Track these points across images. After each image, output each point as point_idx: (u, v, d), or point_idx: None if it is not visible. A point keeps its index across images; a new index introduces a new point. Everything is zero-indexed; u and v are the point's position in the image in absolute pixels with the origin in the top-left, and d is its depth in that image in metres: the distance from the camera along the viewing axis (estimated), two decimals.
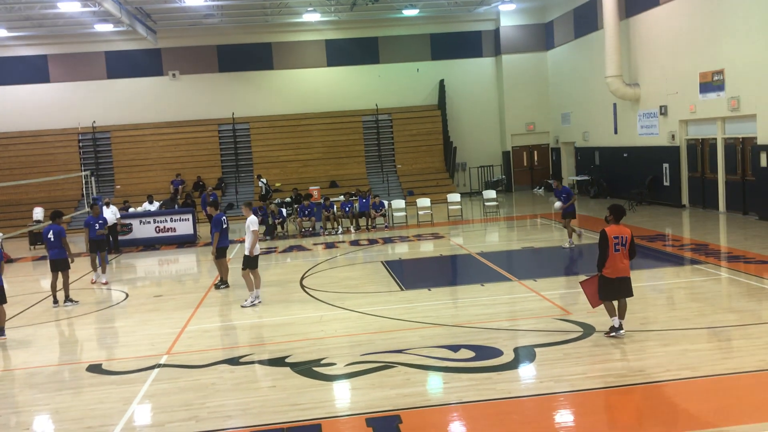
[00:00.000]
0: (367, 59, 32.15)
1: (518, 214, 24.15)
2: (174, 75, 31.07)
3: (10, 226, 23.71)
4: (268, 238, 20.76)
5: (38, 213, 24.20)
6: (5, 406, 7.81)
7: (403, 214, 23.01)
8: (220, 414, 6.95)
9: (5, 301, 10.71)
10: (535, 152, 33.25)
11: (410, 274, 14.63)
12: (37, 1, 23.67)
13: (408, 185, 29.97)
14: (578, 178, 28.53)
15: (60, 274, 12.94)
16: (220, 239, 13.24)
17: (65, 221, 20.73)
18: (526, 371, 7.73)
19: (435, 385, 7.47)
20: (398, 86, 32.22)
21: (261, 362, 8.60)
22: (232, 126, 31.24)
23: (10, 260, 19.18)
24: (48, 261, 13.12)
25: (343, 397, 7.36)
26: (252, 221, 12.05)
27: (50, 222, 13.18)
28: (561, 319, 9.64)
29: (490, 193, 24.72)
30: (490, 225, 21.83)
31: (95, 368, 8.81)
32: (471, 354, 8.33)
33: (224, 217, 13.46)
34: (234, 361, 8.67)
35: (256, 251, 12.00)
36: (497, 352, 8.30)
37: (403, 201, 24.03)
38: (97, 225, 14.87)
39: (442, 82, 32.22)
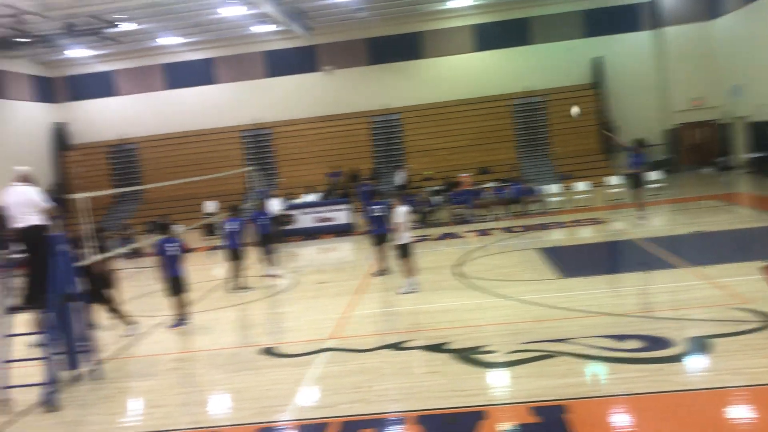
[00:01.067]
0: (516, 41, 31.53)
1: (684, 196, 22.70)
2: (328, 70, 32.20)
3: (186, 219, 25.73)
4: (421, 226, 21.04)
5: (209, 206, 26.15)
6: (191, 385, 8.57)
7: (559, 198, 22.42)
8: (386, 397, 7.20)
9: (187, 290, 11.69)
10: (702, 129, 31.03)
11: (568, 261, 14.24)
12: (203, 8, 25.44)
13: (563, 168, 29.11)
14: (753, 155, 26.31)
15: (237, 263, 13.98)
16: (379, 227, 13.63)
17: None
18: (700, 363, 7.32)
19: (601, 376, 7.27)
20: (550, 67, 31.31)
21: (422, 348, 8.78)
22: (384, 117, 31.90)
23: (188, 250, 20.86)
24: (225, 251, 14.23)
25: (505, 384, 7.35)
26: (400, 211, 12.23)
27: (229, 216, 14.43)
28: (737, 308, 8.99)
29: (653, 175, 23.44)
30: (654, 208, 20.72)
31: (268, 351, 9.42)
32: (638, 344, 8.00)
33: (380, 206, 13.80)
34: (397, 347, 8.92)
35: (407, 239, 12.19)
36: (667, 343, 7.91)
37: (558, 185, 23.40)
38: (261, 219, 15.53)
39: (596, 59, 30.92)
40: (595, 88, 30.86)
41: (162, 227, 11.68)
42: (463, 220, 21.49)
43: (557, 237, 17.33)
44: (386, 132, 31.93)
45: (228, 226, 14.09)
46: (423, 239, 18.61)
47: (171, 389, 8.34)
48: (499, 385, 7.39)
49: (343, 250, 19.49)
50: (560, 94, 31.13)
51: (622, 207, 21.06)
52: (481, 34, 31.69)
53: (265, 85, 32.61)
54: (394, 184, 26.66)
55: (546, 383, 7.09)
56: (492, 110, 31.32)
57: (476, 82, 31.68)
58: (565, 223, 19.12)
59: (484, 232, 18.88)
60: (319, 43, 32.01)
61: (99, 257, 11.24)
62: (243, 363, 9.05)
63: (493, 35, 31.55)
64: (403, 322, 10.53)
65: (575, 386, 6.96)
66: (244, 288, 14.02)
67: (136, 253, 21.70)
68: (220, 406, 7.73)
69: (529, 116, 31.26)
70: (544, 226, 18.70)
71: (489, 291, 11.59)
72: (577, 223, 18.88)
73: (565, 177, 27.78)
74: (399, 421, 6.58)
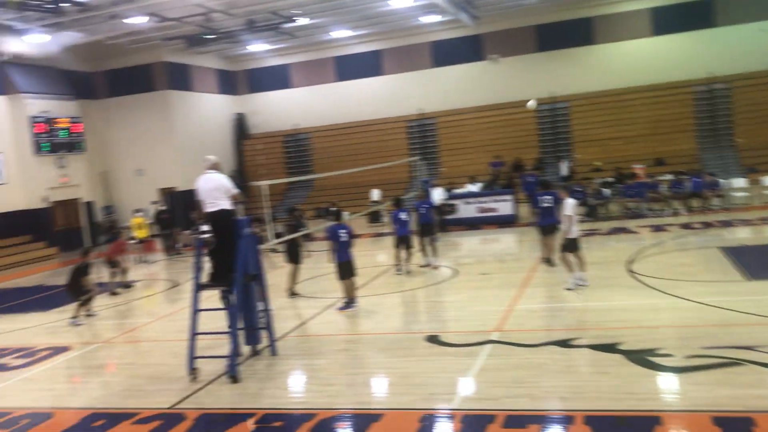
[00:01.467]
0: (700, 23, 29.28)
1: None
2: (494, 58, 31.81)
3: (351, 206, 26.62)
4: (589, 219, 20.27)
5: (375, 194, 26.87)
6: (359, 366, 8.88)
7: (744, 194, 20.64)
8: (554, 394, 7.03)
9: (355, 275, 12.11)
10: None
11: (756, 263, 13.03)
12: (373, 0, 26.08)
13: (749, 161, 26.73)
14: None
15: (406, 250, 14.61)
16: (547, 218, 13.35)
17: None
18: None
19: None
20: (737, 51, 28.78)
21: (592, 347, 8.47)
22: (550, 105, 31.02)
23: (356, 236, 21.62)
24: (395, 238, 14.84)
25: (683, 391, 6.91)
26: (569, 204, 11.82)
27: (398, 205, 15.05)
28: None
29: None
30: None
31: (433, 339, 9.53)
32: None
33: (548, 197, 13.48)
34: (564, 344, 8.67)
35: (574, 233, 11.77)
36: None
37: (743, 179, 21.53)
38: (422, 209, 15.40)
39: None
40: None
41: (335, 214, 12.26)
42: (636, 215, 20.43)
43: (743, 235, 16.00)
44: (553, 121, 31.03)
45: (400, 215, 14.52)
46: (591, 233, 17.92)
47: (341, 369, 8.69)
48: (677, 390, 6.96)
49: (505, 241, 19.26)
50: (747, 80, 28.59)
51: None
52: (659, 18, 29.78)
53: (431, 75, 32.84)
54: (559, 175, 25.87)
55: (731, 392, 6.57)
56: (670, 98, 29.38)
57: (653, 68, 29.83)
58: (751, 220, 17.59)
59: (659, 228, 17.83)
60: (486, 31, 31.69)
61: (289, 236, 12.25)
62: (408, 349, 9.23)
63: (673, 18, 29.51)
64: (571, 319, 10.22)
65: (765, 399, 6.40)
66: (408, 272, 14.35)
67: (306, 237, 22.80)
68: (386, 389, 7.94)
69: (711, 104, 29.00)
70: (727, 224, 17.33)
71: (665, 291, 10.92)
72: (766, 221, 17.28)
73: (752, 170, 25.50)
74: (566, 420, 6.40)
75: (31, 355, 11.06)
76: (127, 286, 16.70)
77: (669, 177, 21.52)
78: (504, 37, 31.67)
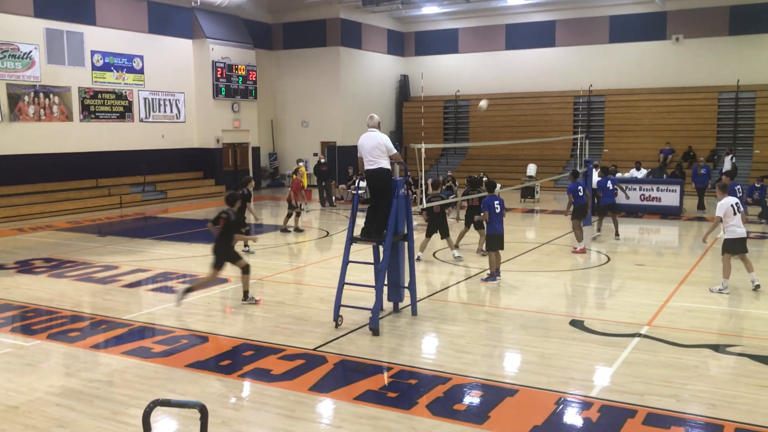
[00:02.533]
0: None
1: None
2: (677, 39, 29.71)
3: (506, 179, 26.25)
4: (764, 221, 18.64)
5: (531, 169, 26.26)
6: (496, 339, 8.83)
7: None
8: (702, 400, 6.63)
9: (502, 248, 11.98)
10: None
11: None
12: None
13: None
14: None
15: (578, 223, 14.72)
16: None
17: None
18: None
19: None
20: None
21: (750, 356, 7.87)
22: (735, 94, 28.60)
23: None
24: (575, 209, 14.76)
25: None
26: (721, 204, 10.83)
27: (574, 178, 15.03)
28: None
29: None
30: None
31: (578, 324, 9.28)
32: None
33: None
34: (719, 348, 8.12)
35: (736, 234, 10.80)
36: None
37: None
38: (579, 190, 14.86)
39: None
40: None
41: (489, 185, 12.17)
42: None
43: None
44: (735, 111, 28.62)
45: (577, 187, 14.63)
46: (764, 236, 16.50)
47: (478, 339, 8.70)
48: None
49: (666, 233, 18.20)
50: None
51: None
52: None
53: (606, 51, 31.29)
54: (722, 170, 23.88)
55: None
56: None
57: None
58: None
59: None
60: (672, 9, 29.60)
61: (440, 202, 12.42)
62: (550, 330, 9.05)
63: None
64: (731, 324, 9.53)
65: None
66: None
67: (454, 206, 22.82)
68: (523, 366, 7.85)
69: None
70: None
71: None
72: None
73: None
74: (714, 428, 6.02)
75: (194, 282, 12.01)
76: (285, 230, 17.64)
77: None
78: (692, 17, 29.42)
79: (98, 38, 24.33)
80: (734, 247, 10.89)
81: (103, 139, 24.70)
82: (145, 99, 26.30)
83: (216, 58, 27.92)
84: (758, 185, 18.98)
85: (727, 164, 24.57)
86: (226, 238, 10.13)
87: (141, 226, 20.71)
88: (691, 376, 7.26)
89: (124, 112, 25.55)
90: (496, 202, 11.68)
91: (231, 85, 28.66)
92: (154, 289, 11.77)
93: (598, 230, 16.58)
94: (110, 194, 24.36)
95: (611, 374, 7.38)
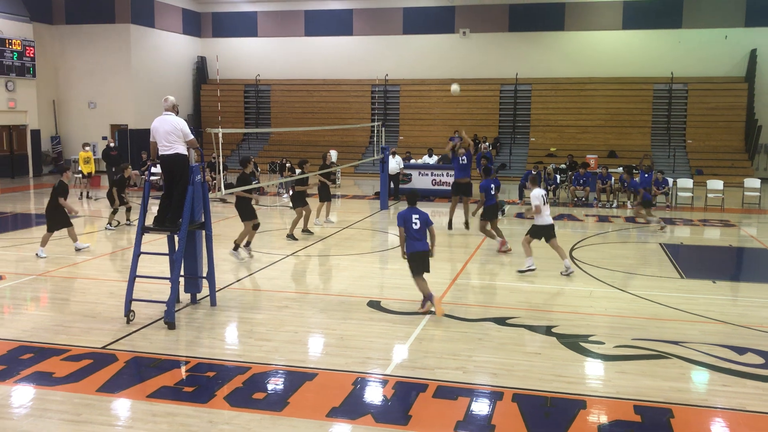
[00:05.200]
0: (668, 23, 29.76)
1: None
2: (464, 33, 31.74)
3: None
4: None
5: (333, 155, 26.61)
6: (297, 325, 8.89)
7: (689, 195, 21.26)
8: (485, 370, 7.19)
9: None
10: None
11: (692, 262, 13.55)
12: None
13: (697, 164, 27.54)
14: None
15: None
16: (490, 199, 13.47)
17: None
18: None
19: (714, 386, 6.92)
20: (700, 54, 29.42)
21: (528, 327, 8.67)
22: (514, 87, 31.18)
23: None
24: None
25: (610, 378, 7.14)
26: (535, 195, 11.67)
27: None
28: None
29: None
30: None
31: (375, 304, 9.61)
32: (760, 360, 7.55)
33: (492, 185, 13.57)
34: (501, 321, 8.86)
35: (543, 221, 11.70)
36: None
37: (691, 180, 22.17)
38: (492, 189, 13.83)
39: (754, 51, 28.72)
40: (747, 82, 28.76)
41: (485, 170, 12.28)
42: (583, 203, 20.85)
43: (683, 234, 16.49)
44: (514, 102, 31.24)
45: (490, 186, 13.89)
46: None
47: (279, 326, 8.68)
48: (604, 377, 7.19)
49: (456, 216, 19.39)
50: (706, 84, 29.32)
51: (757, 212, 19.76)
52: (630, 12, 30.17)
53: (401, 42, 32.59)
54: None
55: (654, 384, 6.84)
56: (631, 93, 30.03)
57: (618, 61, 30.38)
58: (693, 221, 18.15)
59: (605, 219, 18.25)
60: (460, 4, 31.53)
61: (239, 189, 12.03)
62: (351, 312, 9.26)
63: (644, 14, 29.97)
64: (511, 299, 10.41)
65: (684, 392, 6.68)
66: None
67: (257, 191, 22.57)
68: (323, 349, 7.97)
69: (669, 104, 29.64)
70: (670, 221, 17.83)
71: (603, 280, 11.24)
72: (706, 222, 17.87)
73: (700, 172, 26.30)
74: (495, 395, 6.56)
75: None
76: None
77: (619, 170, 21.95)
78: (477, 12, 31.59)
79: None
80: (540, 233, 11.64)
81: None
82: None
83: None
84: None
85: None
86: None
87: None
88: (475, 348, 7.83)
89: None
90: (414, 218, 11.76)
91: (4, 61, 25.84)
92: None
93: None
94: None
95: (405, 351, 7.75)
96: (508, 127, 31.18)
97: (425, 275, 9.28)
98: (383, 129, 21.49)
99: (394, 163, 21.08)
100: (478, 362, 7.41)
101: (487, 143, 26.36)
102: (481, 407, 6.32)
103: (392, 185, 21.04)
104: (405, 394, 6.57)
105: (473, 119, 31.13)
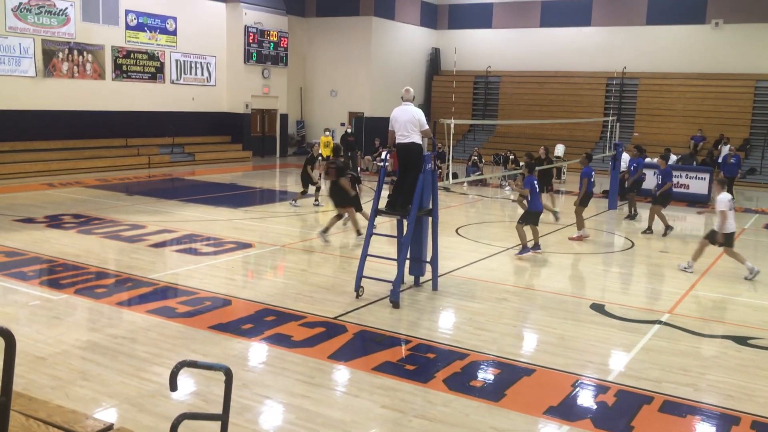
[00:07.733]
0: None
1: None
2: (717, 23, 29.05)
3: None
4: None
5: (559, 149, 25.97)
6: (515, 318, 8.85)
7: None
8: (720, 390, 6.62)
9: (536, 224, 12.12)
10: None
11: None
12: None
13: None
14: None
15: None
16: None
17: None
18: None
19: None
20: None
21: None
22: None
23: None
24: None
25: None
26: (721, 199, 10.90)
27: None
28: None
29: None
30: None
31: (598, 308, 9.26)
32: None
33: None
34: (741, 341, 8.08)
35: (728, 229, 10.96)
36: None
37: None
38: (592, 176, 14.08)
39: None
40: None
41: (530, 166, 12.43)
42: None
43: None
44: None
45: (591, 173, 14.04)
46: None
47: (497, 317, 8.72)
48: None
49: (693, 222, 17.99)
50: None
51: None
52: None
53: (643, 32, 30.69)
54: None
55: None
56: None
57: None
58: None
59: None
60: None
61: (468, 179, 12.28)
62: (571, 312, 9.05)
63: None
64: (754, 317, 9.44)
65: None
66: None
67: (481, 182, 22.78)
68: (540, 347, 7.87)
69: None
70: None
71: None
72: None
73: None
74: (730, 420, 6.02)
75: (218, 245, 12.20)
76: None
77: None
78: (733, 1, 28.68)
79: None
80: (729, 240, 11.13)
81: (134, 99, 24.88)
82: (176, 61, 26.39)
83: (249, 22, 27.89)
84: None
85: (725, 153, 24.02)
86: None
87: (168, 187, 20.93)
88: (709, 366, 7.25)
89: (156, 73, 25.67)
90: (537, 182, 12.31)
91: (262, 51, 28.64)
92: (179, 251, 11.94)
93: (635, 212, 16.69)
94: (139, 154, 24.61)
95: (629, 360, 7.38)
96: (761, 127, 28.07)
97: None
98: (618, 124, 20.49)
99: (625, 161, 19.96)
100: (712, 381, 6.85)
101: (728, 145, 23.98)
102: (712, 430, 5.84)
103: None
104: (628, 403, 6.27)
105: (720, 117, 28.47)
